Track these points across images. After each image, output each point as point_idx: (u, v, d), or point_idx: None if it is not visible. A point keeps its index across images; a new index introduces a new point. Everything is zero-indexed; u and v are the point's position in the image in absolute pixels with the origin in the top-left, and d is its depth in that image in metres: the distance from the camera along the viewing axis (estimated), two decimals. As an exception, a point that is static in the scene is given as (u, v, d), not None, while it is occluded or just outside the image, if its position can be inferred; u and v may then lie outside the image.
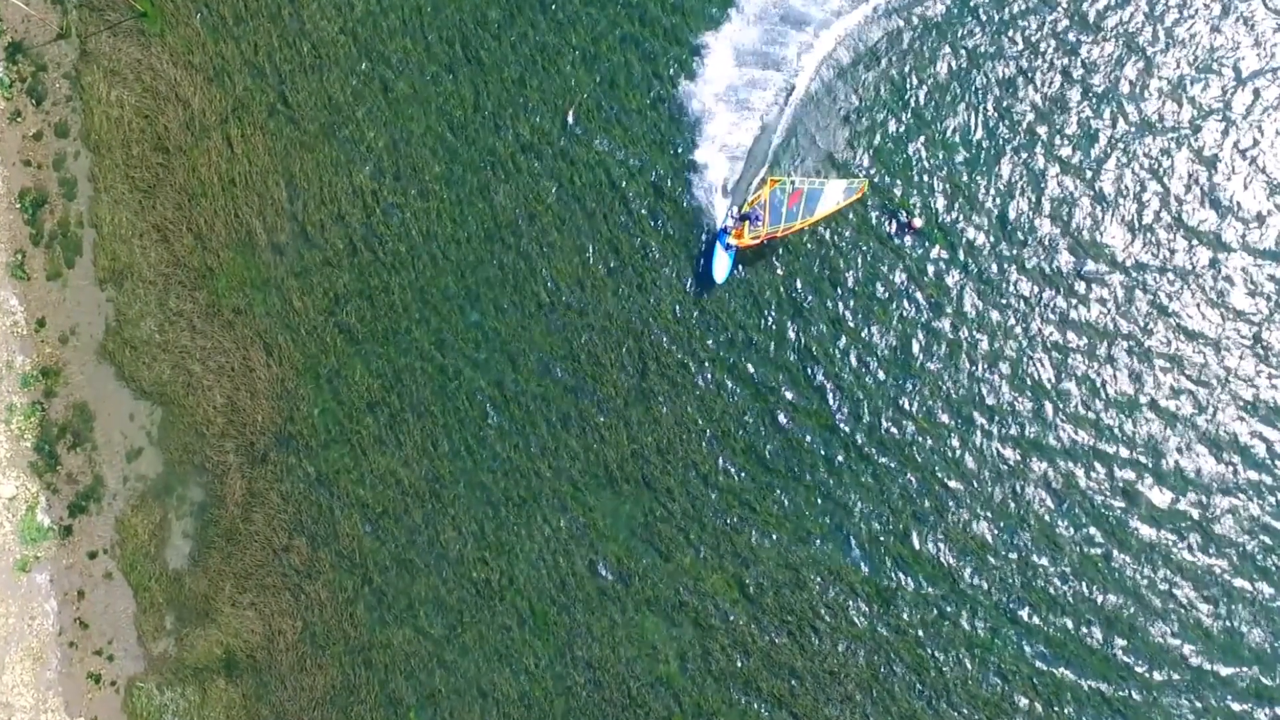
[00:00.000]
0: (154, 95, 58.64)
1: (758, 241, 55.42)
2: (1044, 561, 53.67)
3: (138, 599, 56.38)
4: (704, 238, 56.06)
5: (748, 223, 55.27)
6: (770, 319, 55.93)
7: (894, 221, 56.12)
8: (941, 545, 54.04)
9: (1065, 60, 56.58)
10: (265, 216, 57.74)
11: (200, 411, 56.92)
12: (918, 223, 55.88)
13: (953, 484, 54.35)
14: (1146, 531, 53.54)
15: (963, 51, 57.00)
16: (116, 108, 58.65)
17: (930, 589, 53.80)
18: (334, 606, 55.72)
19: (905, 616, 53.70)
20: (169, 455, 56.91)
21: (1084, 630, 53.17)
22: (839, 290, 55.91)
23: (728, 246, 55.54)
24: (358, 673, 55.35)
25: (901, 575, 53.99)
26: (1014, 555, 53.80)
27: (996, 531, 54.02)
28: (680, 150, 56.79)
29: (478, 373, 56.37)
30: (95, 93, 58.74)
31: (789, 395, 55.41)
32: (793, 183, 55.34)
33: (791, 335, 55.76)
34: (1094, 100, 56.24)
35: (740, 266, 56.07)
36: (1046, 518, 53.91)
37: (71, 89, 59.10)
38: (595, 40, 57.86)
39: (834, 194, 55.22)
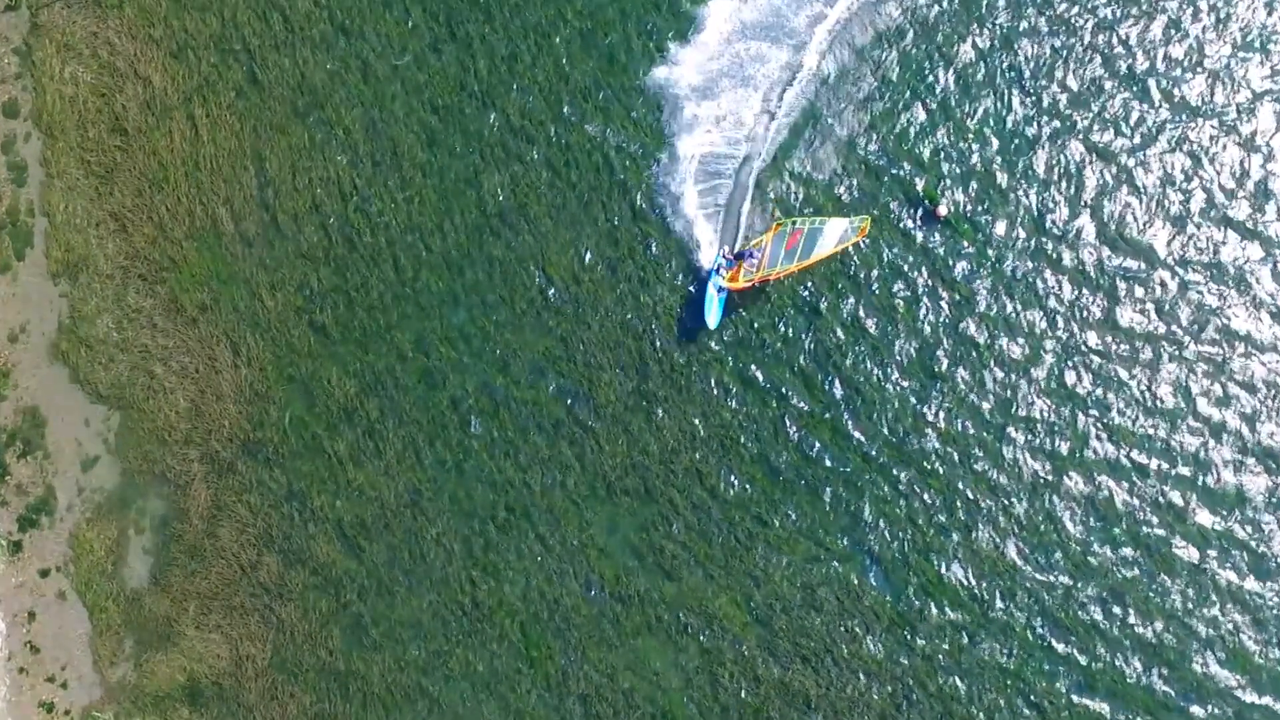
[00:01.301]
0: (111, 72, 54.88)
1: (751, 284, 51.43)
2: (1079, 584, 50.15)
3: (94, 621, 52.80)
4: (696, 281, 52.28)
5: (742, 262, 51.07)
6: (781, 318, 52.39)
7: (918, 210, 52.58)
8: (968, 566, 50.59)
9: (1102, 38, 53.29)
10: (233, 205, 54.08)
11: (161, 417, 53.26)
12: (942, 211, 52.38)
13: (980, 500, 50.88)
14: (1191, 553, 50.05)
15: (990, 27, 53.69)
16: (70, 86, 54.83)
17: (955, 614, 50.33)
18: (307, 630, 52.10)
19: (929, 642, 50.17)
20: (128, 464, 53.26)
21: (1122, 659, 49.71)
22: (856, 286, 52.35)
23: (720, 289, 51.38)
24: (333, 703, 51.68)
25: (925, 598, 50.47)
26: (1046, 577, 50.31)
27: (1028, 551, 50.55)
28: (678, 133, 53.37)
29: (463, 376, 52.78)
30: (47, 69, 54.88)
31: (801, 402, 51.87)
32: (794, 223, 51.31)
33: (804, 336, 52.17)
34: (1134, 83, 52.82)
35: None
36: (1082, 537, 50.44)
37: (21, 65, 55.24)
38: (592, 14, 54.21)
39: (835, 233, 51.13)
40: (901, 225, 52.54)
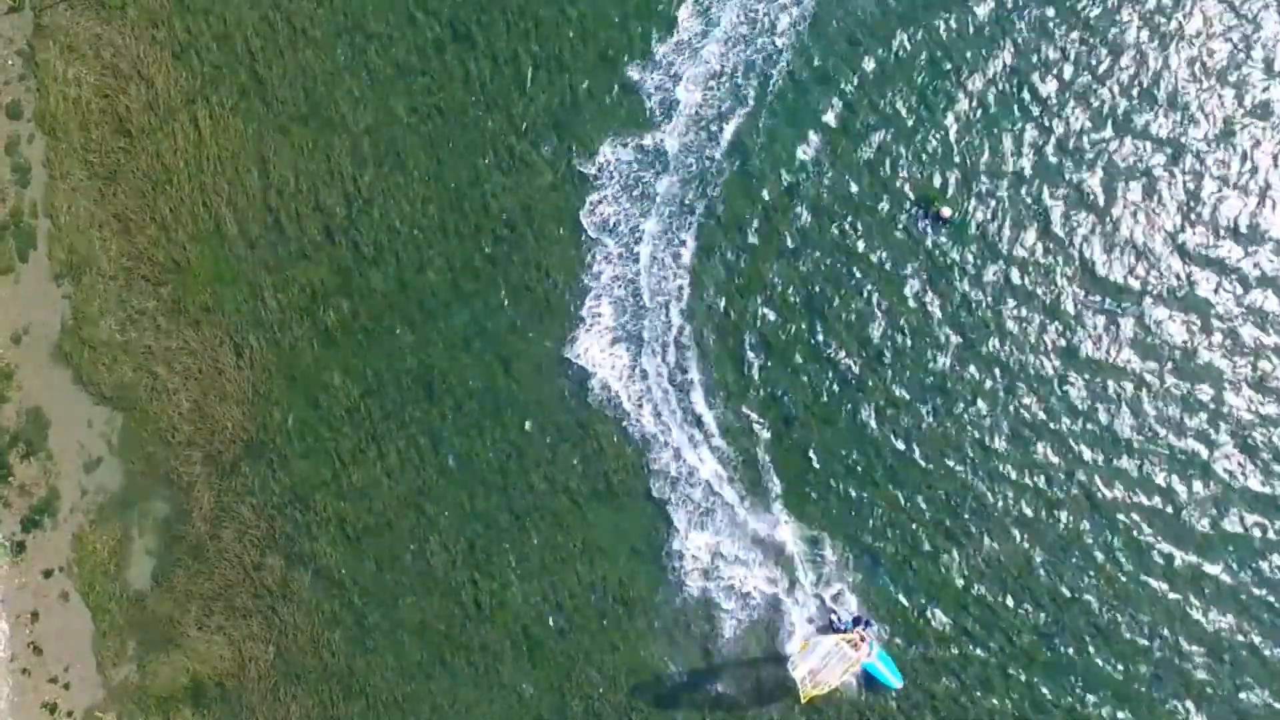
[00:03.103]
0: (115, 73, 54.57)
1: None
2: (1085, 596, 49.59)
3: (97, 622, 52.66)
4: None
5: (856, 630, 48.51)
6: (785, 321, 51.71)
7: (920, 210, 51.80)
8: (972, 572, 49.86)
9: (1089, 59, 51.78)
10: (236, 206, 53.76)
11: (165, 418, 53.06)
12: (946, 212, 51.60)
13: (983, 504, 50.17)
14: (1177, 571, 49.39)
15: (985, 37, 52.50)
16: (74, 87, 54.56)
17: (960, 618, 49.71)
18: (310, 631, 51.88)
19: (934, 645, 49.65)
20: (131, 465, 53.08)
21: (1131, 669, 49.01)
22: (860, 293, 51.49)
23: (868, 654, 48.38)
24: (335, 704, 51.48)
25: (929, 601, 49.86)
26: (1051, 584, 49.71)
27: (1032, 554, 49.85)
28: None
29: (467, 376, 52.31)
30: (51, 71, 54.63)
31: (801, 410, 51.22)
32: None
33: (807, 340, 51.51)
34: (1141, 103, 51.67)
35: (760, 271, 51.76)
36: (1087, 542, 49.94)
37: (25, 67, 55.03)
38: (597, 10, 53.35)
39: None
40: (903, 229, 51.70)
